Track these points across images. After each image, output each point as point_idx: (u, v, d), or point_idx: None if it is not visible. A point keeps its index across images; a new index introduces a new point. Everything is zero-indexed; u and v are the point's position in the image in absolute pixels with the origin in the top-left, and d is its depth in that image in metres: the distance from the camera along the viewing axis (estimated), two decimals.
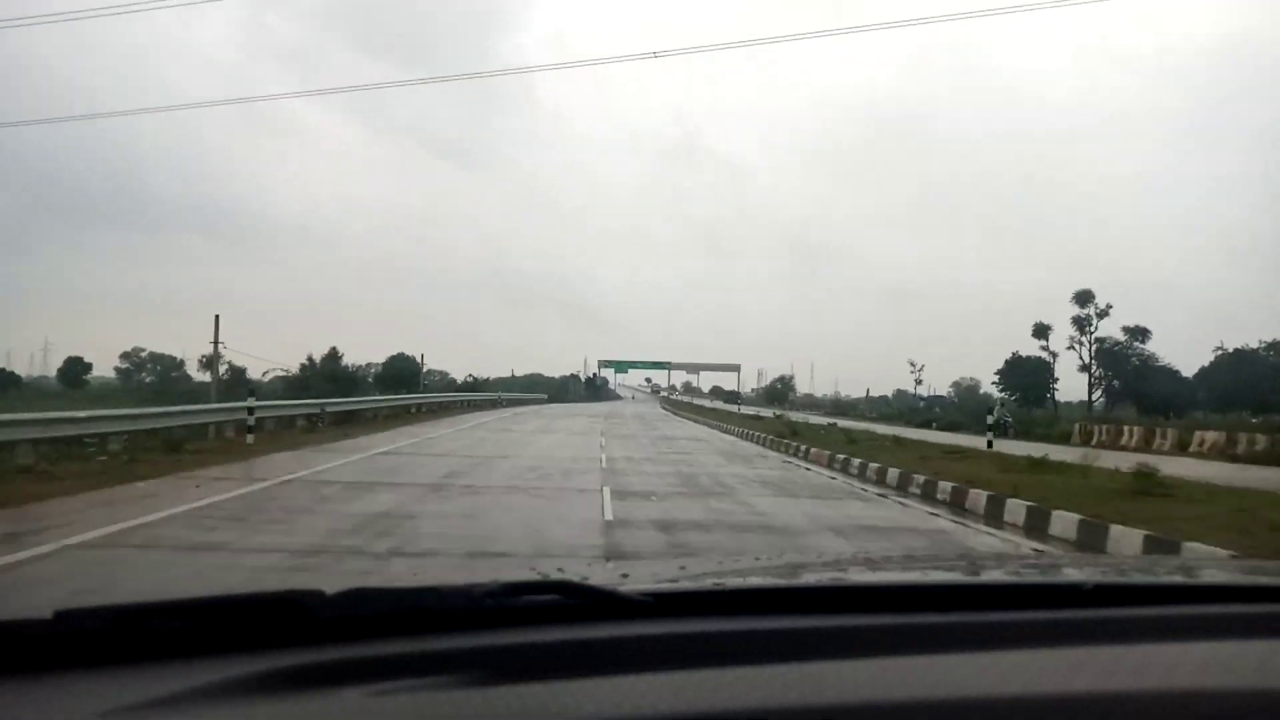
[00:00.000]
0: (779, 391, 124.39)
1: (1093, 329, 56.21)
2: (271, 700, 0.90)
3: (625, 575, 1.41)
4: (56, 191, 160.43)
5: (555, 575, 1.27)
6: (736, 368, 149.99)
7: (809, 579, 1.65)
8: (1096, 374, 56.56)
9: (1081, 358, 56.77)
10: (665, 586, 1.34)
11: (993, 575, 1.85)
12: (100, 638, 1.02)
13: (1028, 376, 60.97)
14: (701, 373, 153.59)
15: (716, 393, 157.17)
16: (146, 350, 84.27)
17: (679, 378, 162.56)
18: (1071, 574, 1.84)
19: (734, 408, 64.67)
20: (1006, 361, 64.29)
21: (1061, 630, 1.14)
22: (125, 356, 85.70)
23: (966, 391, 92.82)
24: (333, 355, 67.80)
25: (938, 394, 78.38)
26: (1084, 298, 54.91)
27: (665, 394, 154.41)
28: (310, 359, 63.11)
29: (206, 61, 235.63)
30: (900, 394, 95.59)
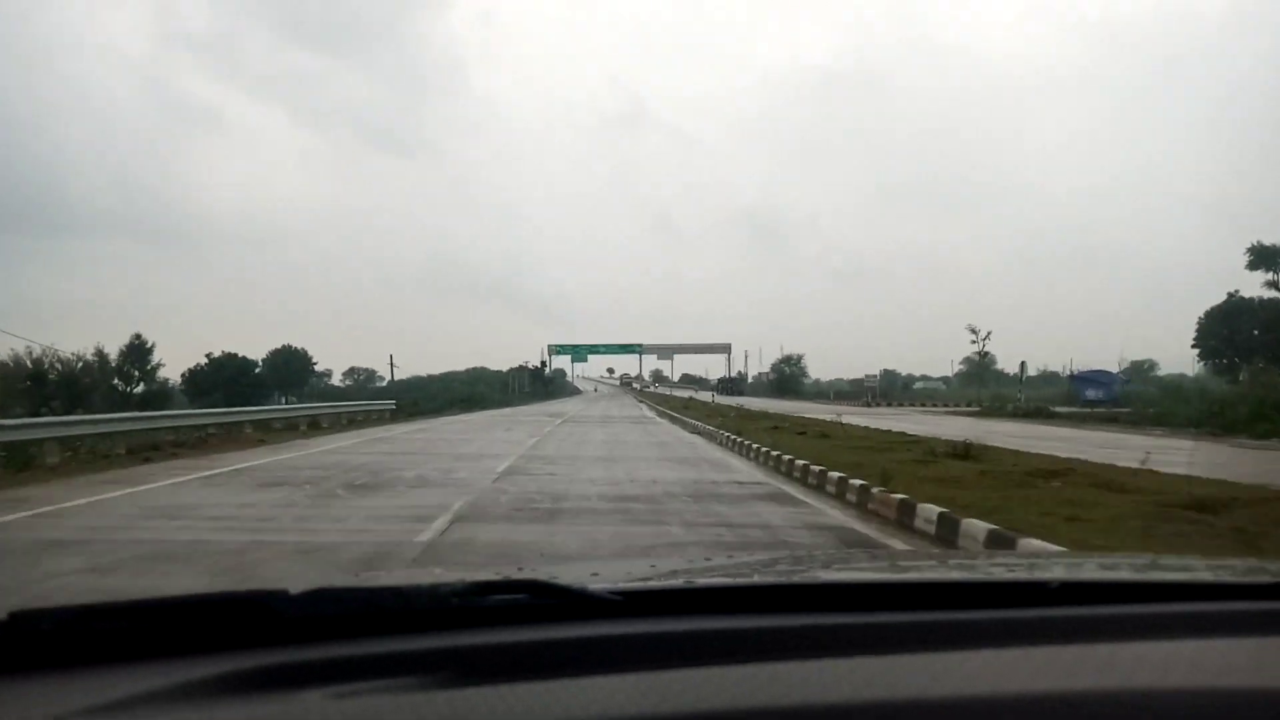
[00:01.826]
0: (789, 377, 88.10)
1: None
2: (232, 702, 0.91)
3: (595, 574, 1.42)
4: None
5: (524, 575, 1.27)
6: (726, 348, 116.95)
7: (778, 578, 1.65)
8: None
9: None
10: (635, 585, 1.33)
11: (960, 574, 1.85)
12: (57, 639, 1.02)
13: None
14: (675, 356, 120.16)
15: (689, 382, 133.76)
16: None
17: (651, 365, 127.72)
18: (1037, 572, 1.80)
19: (736, 402, 51.60)
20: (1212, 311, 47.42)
21: (1027, 629, 1.17)
22: None
23: (1136, 369, 71.59)
24: (135, 348, 49.25)
25: (1098, 370, 53.13)
26: None
27: (637, 385, 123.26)
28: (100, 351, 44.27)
29: (116, 54, 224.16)
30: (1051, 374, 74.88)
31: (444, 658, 1.01)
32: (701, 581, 1.47)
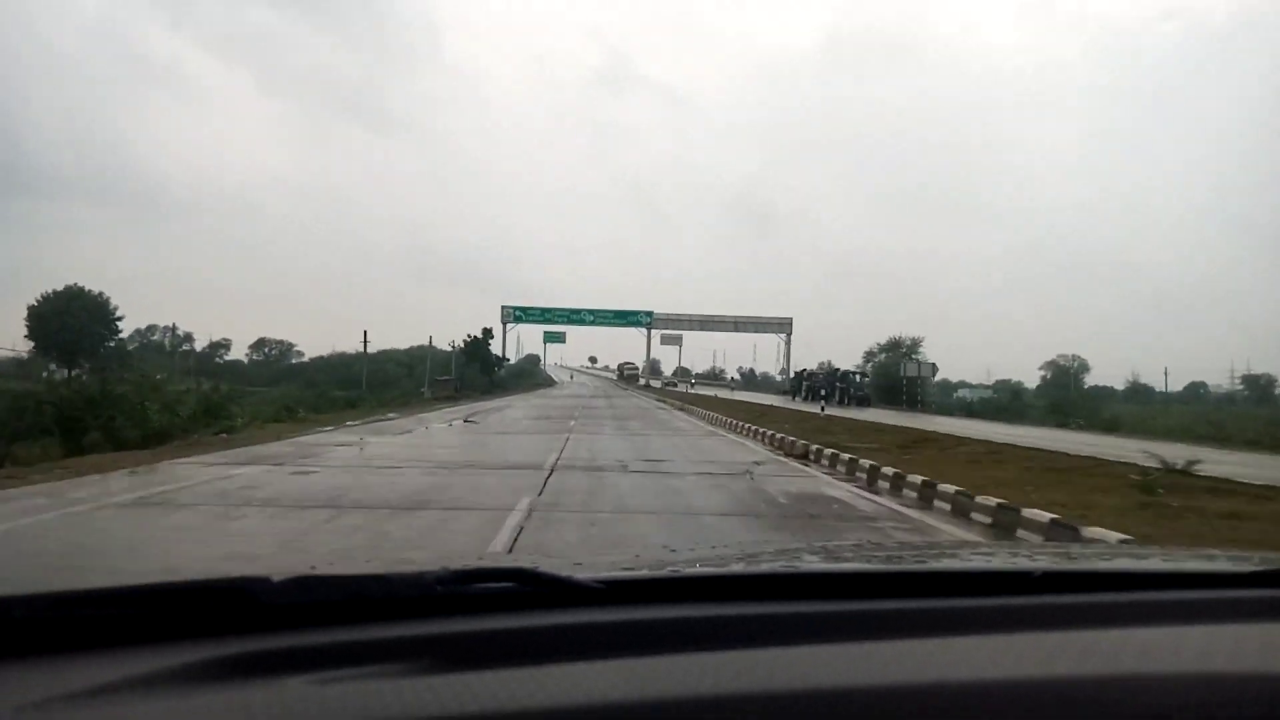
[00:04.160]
0: (915, 380, 38.76)
1: None
2: (213, 688, 0.90)
3: (579, 564, 1.42)
4: None
5: (508, 563, 1.32)
6: (784, 325, 76.26)
7: (763, 566, 1.69)
8: None
9: None
10: (619, 574, 1.35)
11: (944, 563, 1.91)
12: (34, 626, 1.01)
13: None
14: (684, 341, 76.74)
15: (696, 379, 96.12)
16: None
17: (656, 351, 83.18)
18: (1021, 561, 1.84)
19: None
20: None
21: (1010, 616, 1.19)
22: None
23: None
24: None
25: None
26: None
27: (652, 378, 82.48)
28: None
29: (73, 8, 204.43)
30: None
31: (427, 645, 1.01)
32: (685, 571, 1.49)
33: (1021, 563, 1.76)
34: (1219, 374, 67.73)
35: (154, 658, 0.95)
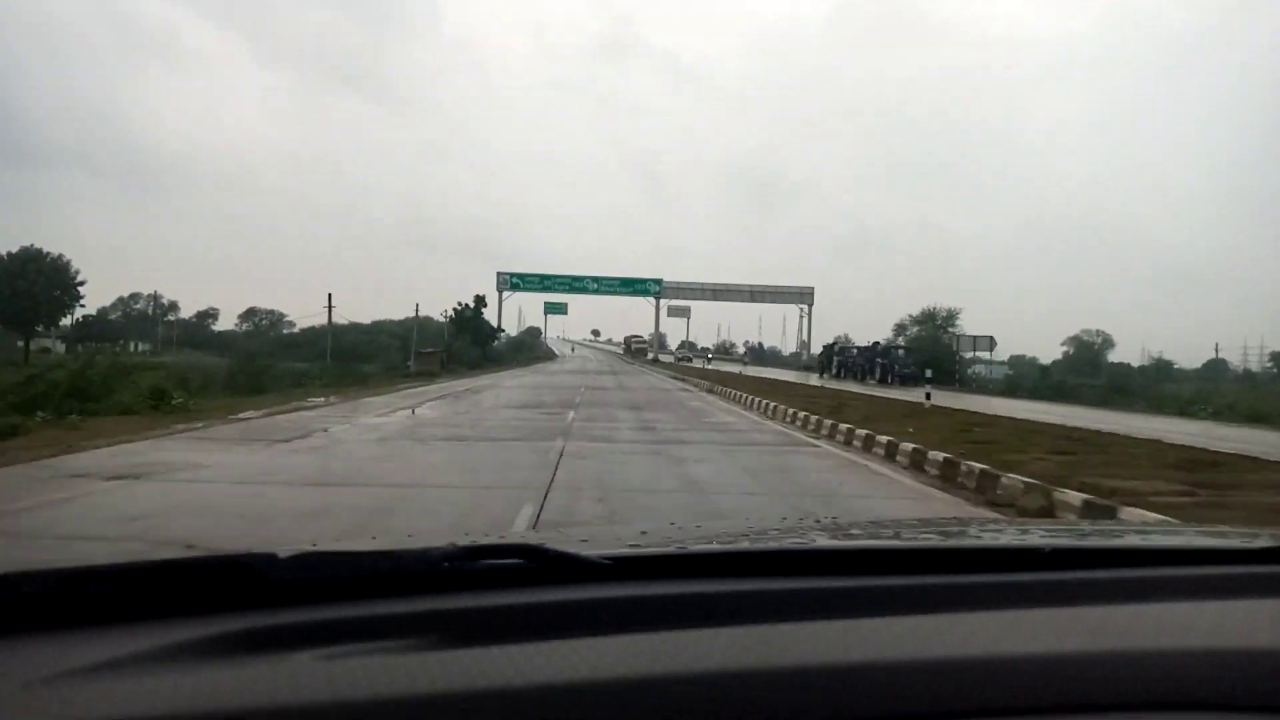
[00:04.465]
0: (968, 356, 31.25)
1: None
2: (219, 663, 0.92)
3: (585, 540, 1.46)
4: None
5: (516, 539, 1.32)
6: (806, 295, 64.76)
7: (771, 543, 1.65)
8: None
9: None
10: (626, 550, 1.35)
11: (953, 540, 1.86)
12: (41, 602, 1.03)
13: None
14: (694, 306, 69.89)
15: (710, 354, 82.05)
16: None
17: (665, 325, 76.74)
18: (1031, 538, 1.82)
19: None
20: None
21: (1020, 593, 1.20)
22: None
23: None
24: None
25: None
26: None
27: (686, 353, 76.17)
28: None
29: None
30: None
31: (433, 620, 1.02)
32: (693, 547, 1.48)
33: (1032, 539, 1.78)
34: (1227, 351, 64.20)
35: (161, 633, 0.95)
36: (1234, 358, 67.72)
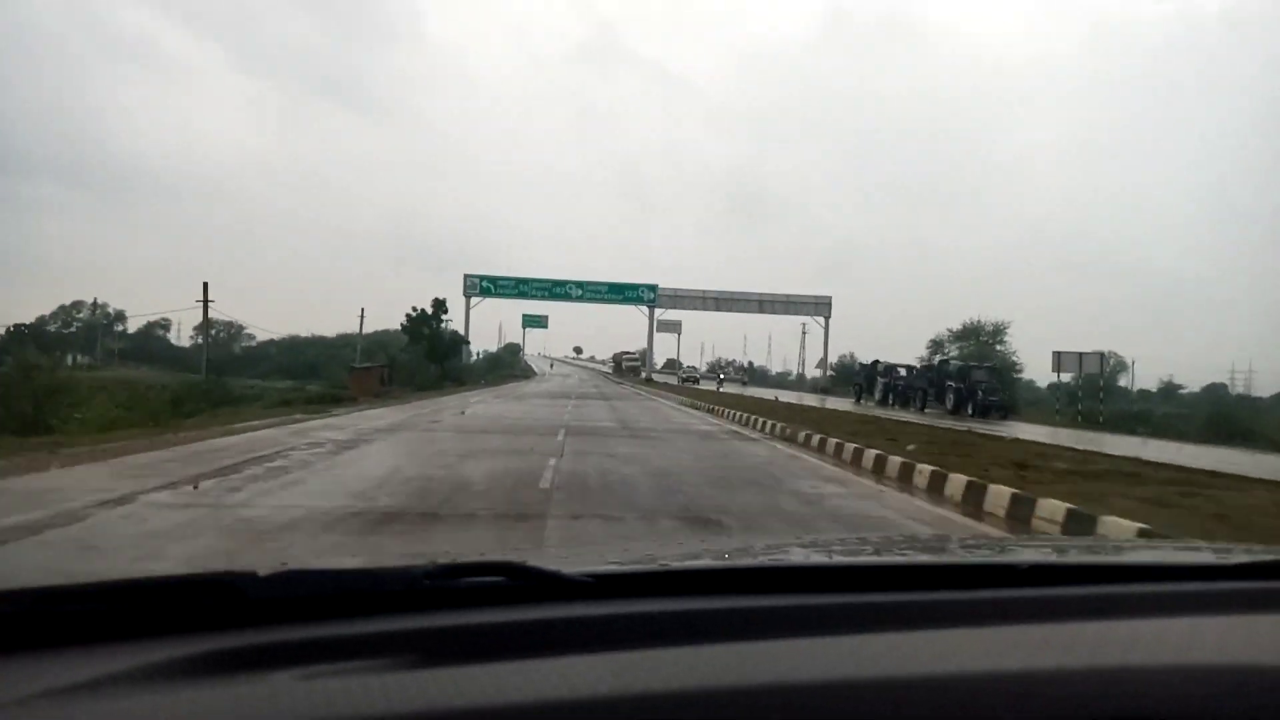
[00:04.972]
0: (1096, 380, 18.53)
1: None
2: (198, 684, 0.93)
3: (567, 557, 1.49)
4: None
5: (497, 557, 1.34)
6: (823, 306, 56.61)
7: (751, 561, 1.71)
8: None
9: None
10: (607, 567, 1.39)
11: (930, 556, 1.94)
12: (17, 621, 1.03)
13: None
14: (691, 319, 60.95)
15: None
16: None
17: (657, 339, 65.88)
18: (1008, 554, 1.91)
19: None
20: None
21: (997, 609, 1.25)
22: None
23: None
24: None
25: None
26: None
27: (690, 373, 68.30)
28: None
29: None
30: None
31: (415, 639, 1.04)
32: (674, 565, 1.51)
33: (1009, 556, 1.81)
34: (1203, 373, 63.25)
35: (139, 653, 0.97)
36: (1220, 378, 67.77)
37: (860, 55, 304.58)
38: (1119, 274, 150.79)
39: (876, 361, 45.27)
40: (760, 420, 21.63)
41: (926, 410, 35.30)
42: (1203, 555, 1.85)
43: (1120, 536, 6.04)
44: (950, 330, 55.34)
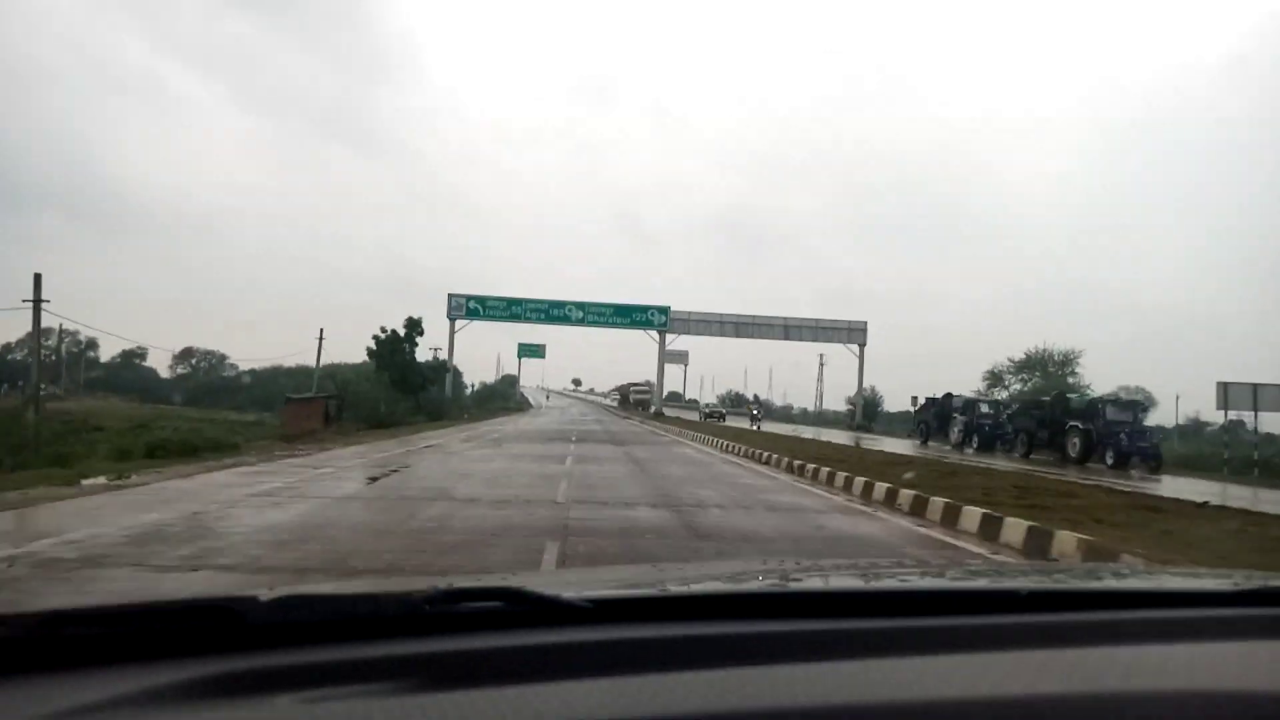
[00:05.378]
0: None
1: None
2: (200, 707, 0.96)
3: (567, 582, 1.52)
4: None
5: (496, 582, 1.40)
6: (858, 331, 65.12)
7: (751, 585, 1.72)
8: None
9: None
10: (607, 592, 1.43)
11: (931, 582, 1.97)
12: (19, 645, 1.06)
13: None
14: (703, 349, 56.33)
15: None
16: None
17: (670, 368, 57.44)
18: (1008, 580, 1.92)
19: None
20: None
21: (997, 635, 1.27)
22: None
23: None
24: None
25: None
26: None
27: (704, 408, 63.64)
28: None
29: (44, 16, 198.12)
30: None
31: (415, 664, 1.06)
32: (674, 590, 1.55)
33: (1008, 582, 1.83)
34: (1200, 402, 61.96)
35: (142, 677, 0.99)
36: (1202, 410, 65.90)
37: (861, 108, 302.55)
38: (1124, 310, 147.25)
39: (950, 395, 37.72)
40: (852, 479, 14.21)
41: (1031, 457, 28.16)
42: (1203, 582, 1.90)
43: (1117, 565, 6.04)
44: (1011, 360, 48.18)
